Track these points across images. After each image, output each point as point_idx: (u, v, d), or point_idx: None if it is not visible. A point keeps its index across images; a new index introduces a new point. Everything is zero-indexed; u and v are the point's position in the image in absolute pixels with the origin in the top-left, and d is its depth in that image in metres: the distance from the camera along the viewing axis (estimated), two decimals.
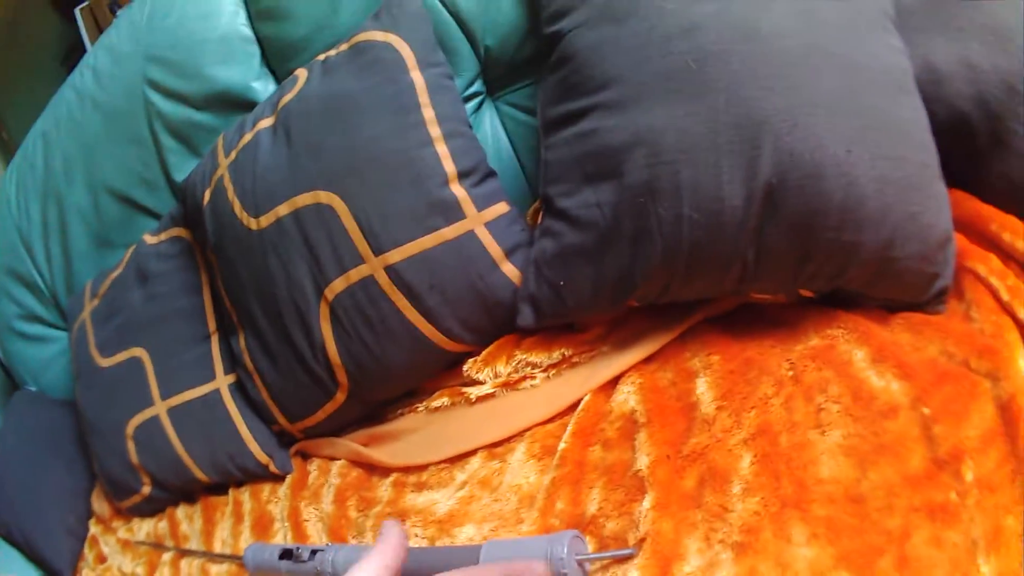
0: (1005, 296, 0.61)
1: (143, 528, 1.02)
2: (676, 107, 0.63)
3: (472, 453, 0.77)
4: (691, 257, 0.65)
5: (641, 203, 0.65)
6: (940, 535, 0.49)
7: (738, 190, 0.60)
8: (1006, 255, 0.64)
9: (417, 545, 0.72)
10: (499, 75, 0.92)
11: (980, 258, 0.65)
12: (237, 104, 1.00)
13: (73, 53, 1.80)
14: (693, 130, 0.62)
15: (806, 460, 0.57)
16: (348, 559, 0.71)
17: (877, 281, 0.64)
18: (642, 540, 0.58)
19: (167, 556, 0.94)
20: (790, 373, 0.64)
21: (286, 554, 0.76)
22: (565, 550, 0.58)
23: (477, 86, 0.93)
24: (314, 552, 0.73)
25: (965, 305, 0.64)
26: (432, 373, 0.84)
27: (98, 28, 1.75)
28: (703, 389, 0.67)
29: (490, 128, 0.92)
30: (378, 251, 0.78)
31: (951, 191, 0.65)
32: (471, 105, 0.92)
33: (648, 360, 0.73)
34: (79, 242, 1.15)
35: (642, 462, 0.63)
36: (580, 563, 0.58)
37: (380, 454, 0.82)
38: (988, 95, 0.65)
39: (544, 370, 0.78)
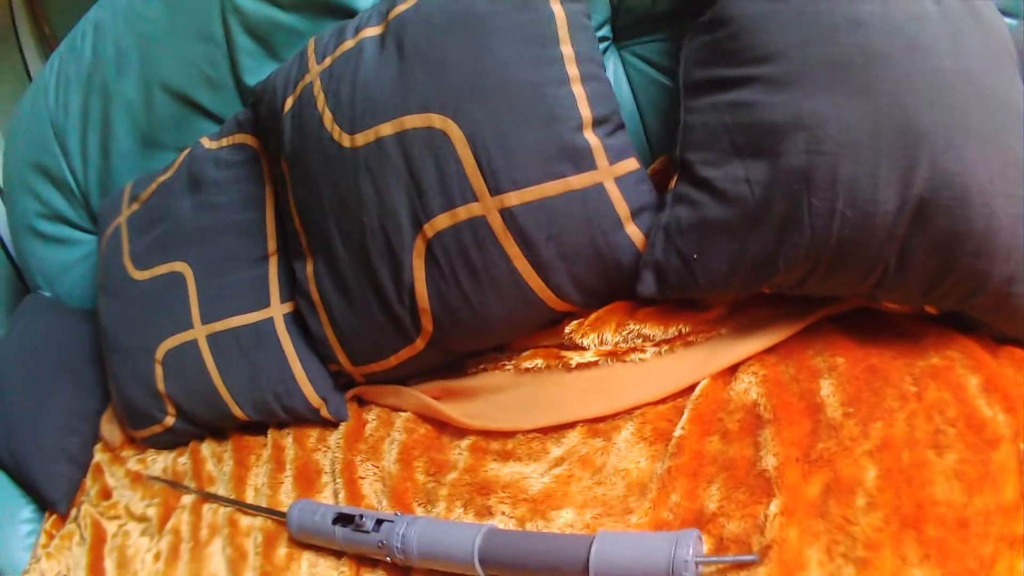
0: None
1: (159, 462, 0.90)
2: (840, 99, 0.60)
3: (570, 426, 0.68)
4: (837, 253, 0.61)
5: (795, 189, 0.61)
6: (1014, 564, 0.50)
7: (893, 196, 0.58)
8: None
9: (504, 527, 0.63)
10: (629, 23, 0.83)
11: None
12: (331, 9, 0.89)
13: None
14: (857, 126, 0.59)
15: (924, 480, 0.54)
16: (426, 537, 0.62)
17: (994, 312, 0.62)
18: (767, 547, 0.53)
19: (187, 499, 0.83)
20: (913, 389, 0.61)
21: (343, 519, 0.66)
22: (690, 552, 0.53)
23: (604, 31, 0.84)
24: (380, 522, 0.64)
25: None
26: (528, 330, 0.75)
27: None
28: (828, 391, 0.62)
29: (613, 78, 0.83)
30: (495, 190, 0.68)
31: None
32: None
33: (768, 351, 0.67)
34: (122, 139, 1.03)
35: (769, 462, 0.58)
36: (697, 564, 0.53)
37: (456, 411, 0.73)
38: None
39: (656, 345, 0.70)
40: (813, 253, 0.61)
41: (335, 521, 0.66)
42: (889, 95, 0.58)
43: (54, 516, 0.95)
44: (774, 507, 0.55)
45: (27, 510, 0.99)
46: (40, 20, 1.60)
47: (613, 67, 0.84)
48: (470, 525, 0.62)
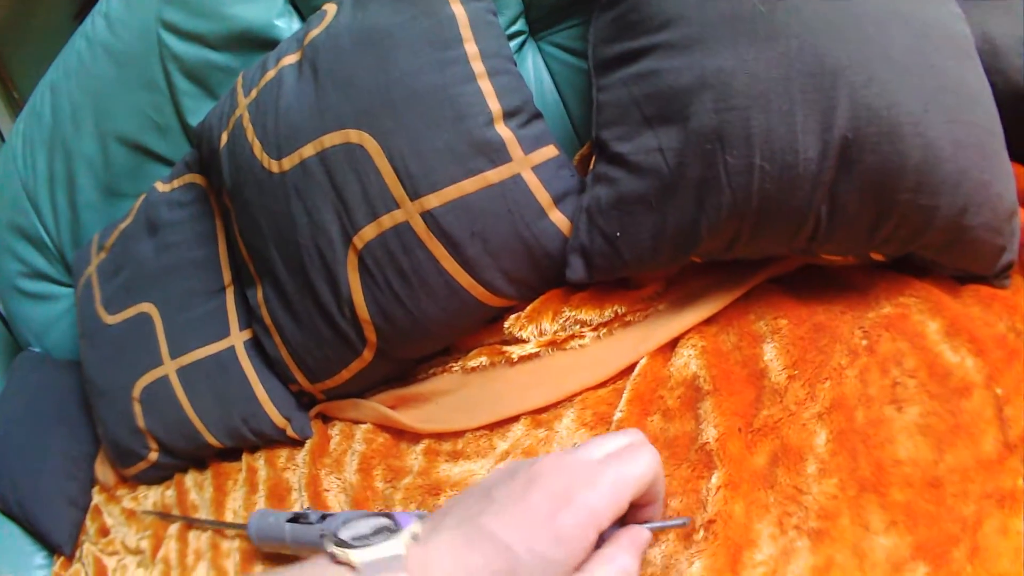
0: None
1: (150, 497, 0.92)
2: (745, 51, 0.56)
3: (514, 419, 0.67)
4: (761, 210, 0.58)
5: (709, 150, 0.58)
6: (1007, 524, 0.45)
7: (813, 142, 0.54)
8: None
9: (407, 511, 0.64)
10: (543, 14, 0.83)
11: None
12: (259, 43, 0.91)
13: (86, 9, 1.68)
14: (765, 75, 0.55)
15: (883, 439, 0.50)
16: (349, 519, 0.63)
17: (949, 249, 0.58)
18: (711, 522, 0.50)
19: (173, 528, 0.85)
20: (864, 342, 0.57)
21: (295, 518, 0.66)
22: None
23: (519, 25, 0.83)
24: (324, 516, 0.64)
25: None
26: (469, 330, 0.74)
27: None
28: (771, 355, 0.59)
29: (533, 69, 0.83)
30: (414, 195, 0.68)
31: (1012, 165, 0.59)
32: (513, 45, 0.82)
33: (708, 322, 0.65)
34: (87, 193, 1.06)
35: (709, 434, 0.55)
36: None
37: (409, 418, 0.73)
38: None
39: (594, 329, 0.68)
40: (736, 214, 0.59)
41: (290, 521, 0.67)
42: (798, 37, 0.55)
43: (62, 558, 0.98)
44: (715, 480, 0.52)
45: (39, 556, 1.01)
46: (8, 85, 1.67)
47: (532, 59, 0.83)
48: (402, 514, 0.62)
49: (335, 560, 0.40)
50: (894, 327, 0.56)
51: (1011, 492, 0.46)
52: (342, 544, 0.41)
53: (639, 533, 0.46)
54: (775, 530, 0.49)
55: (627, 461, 0.44)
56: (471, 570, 0.39)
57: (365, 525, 0.43)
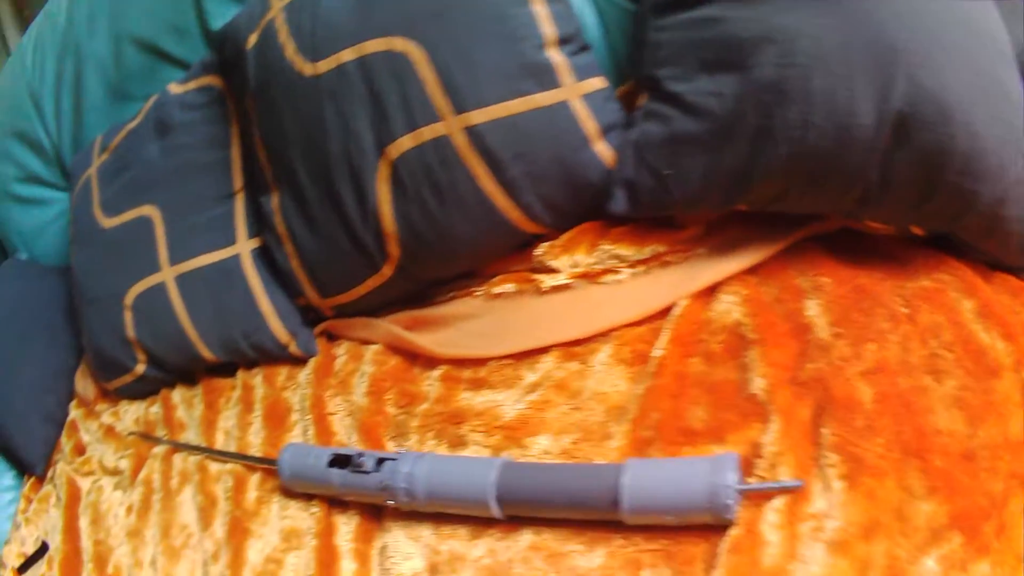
0: None
1: (131, 412, 0.83)
2: (810, 13, 0.54)
3: (544, 350, 0.61)
4: (815, 167, 0.56)
5: (767, 101, 0.55)
6: None
7: (870, 110, 0.52)
8: None
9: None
10: None
11: None
12: None
13: None
14: (827, 39, 0.54)
15: (924, 406, 0.49)
16: (437, 474, 0.53)
17: (986, 236, 0.57)
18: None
19: (159, 449, 0.76)
20: (905, 310, 0.55)
21: (340, 460, 0.57)
22: (731, 477, 0.45)
23: None
24: (381, 461, 0.55)
25: None
26: (497, 254, 0.68)
27: None
28: (815, 311, 0.56)
29: (578, 6, 0.76)
30: (459, 109, 0.62)
31: None
32: None
33: (748, 272, 0.60)
34: (93, 94, 0.96)
35: (758, 384, 0.52)
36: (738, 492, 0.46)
37: (426, 341, 0.66)
38: None
39: (631, 265, 0.63)
40: (791, 166, 0.56)
41: (332, 463, 0.57)
42: (859, 9, 0.53)
43: (33, 479, 0.87)
44: (772, 431, 0.49)
45: (8, 476, 0.90)
46: (21, 3, 1.56)
47: None
48: (483, 459, 0.54)
49: None
50: (932, 300, 0.55)
51: None
52: None
53: None
54: (821, 484, 0.46)
55: None
56: None
57: None
